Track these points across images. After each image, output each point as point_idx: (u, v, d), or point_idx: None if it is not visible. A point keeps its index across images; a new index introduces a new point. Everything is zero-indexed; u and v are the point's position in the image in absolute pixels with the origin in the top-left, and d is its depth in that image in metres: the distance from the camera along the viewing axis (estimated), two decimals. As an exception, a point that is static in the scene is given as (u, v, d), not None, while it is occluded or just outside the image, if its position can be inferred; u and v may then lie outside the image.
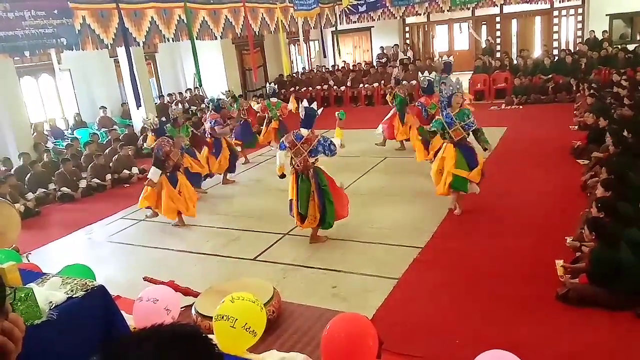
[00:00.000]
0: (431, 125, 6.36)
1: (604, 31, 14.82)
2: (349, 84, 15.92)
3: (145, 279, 4.38)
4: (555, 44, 16.95)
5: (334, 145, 5.58)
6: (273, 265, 5.46)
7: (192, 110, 13.55)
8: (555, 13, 16.89)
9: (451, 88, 6.18)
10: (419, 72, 11.94)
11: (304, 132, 5.60)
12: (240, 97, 11.74)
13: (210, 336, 1.04)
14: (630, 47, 13.89)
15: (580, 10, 16.35)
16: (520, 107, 12.76)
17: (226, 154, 8.62)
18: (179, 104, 9.00)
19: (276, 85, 10.86)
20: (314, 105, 5.73)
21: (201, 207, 7.17)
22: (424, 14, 16.30)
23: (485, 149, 6.27)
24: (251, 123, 10.42)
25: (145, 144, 9.41)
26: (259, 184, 8.64)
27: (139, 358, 0.92)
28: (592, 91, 10.62)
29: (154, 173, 6.61)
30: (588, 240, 4.47)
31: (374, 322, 3.42)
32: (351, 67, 17.14)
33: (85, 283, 2.80)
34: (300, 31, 13.70)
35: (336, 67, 17.21)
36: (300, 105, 5.88)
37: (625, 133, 6.91)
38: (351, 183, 7.93)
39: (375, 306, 4.36)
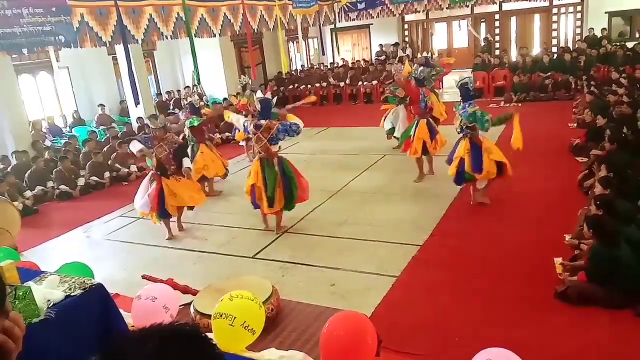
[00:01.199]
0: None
1: (603, 29, 14.83)
2: (347, 81, 15.92)
3: (144, 277, 4.37)
4: (555, 41, 16.94)
5: (296, 125, 5.78)
6: (272, 263, 5.46)
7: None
8: (555, 11, 16.87)
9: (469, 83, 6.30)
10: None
11: (262, 122, 5.81)
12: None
13: (209, 335, 1.03)
14: (629, 44, 13.90)
15: (579, 8, 16.34)
16: (519, 104, 12.71)
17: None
18: (195, 95, 9.16)
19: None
20: (269, 95, 5.88)
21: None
22: (423, 11, 16.30)
23: None
24: None
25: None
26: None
27: (139, 358, 0.92)
28: (591, 89, 10.62)
29: (189, 162, 6.51)
30: (587, 237, 4.47)
31: (373, 320, 3.42)
32: (350, 65, 17.13)
33: (84, 281, 2.79)
34: (299, 29, 13.68)
35: (335, 65, 17.20)
36: (254, 97, 6.01)
37: (624, 130, 6.92)
38: (350, 181, 7.94)
39: (374, 304, 4.36)
